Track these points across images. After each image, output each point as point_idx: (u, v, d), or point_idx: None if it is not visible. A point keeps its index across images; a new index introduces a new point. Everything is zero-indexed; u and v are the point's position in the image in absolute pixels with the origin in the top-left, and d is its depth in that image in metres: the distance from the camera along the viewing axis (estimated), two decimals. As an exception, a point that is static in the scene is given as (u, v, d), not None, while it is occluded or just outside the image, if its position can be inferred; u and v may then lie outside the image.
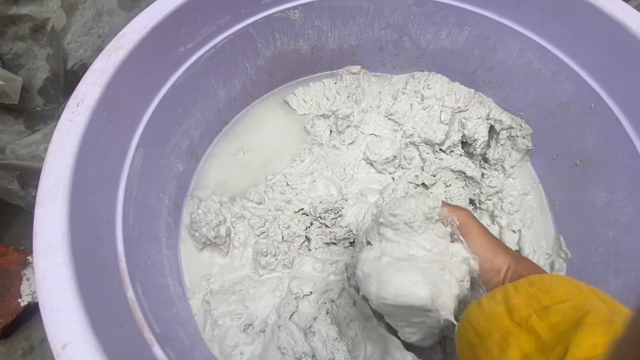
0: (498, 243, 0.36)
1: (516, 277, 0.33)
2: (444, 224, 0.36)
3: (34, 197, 0.31)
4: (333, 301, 0.46)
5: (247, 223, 0.49)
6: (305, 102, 0.59)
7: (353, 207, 0.51)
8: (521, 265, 0.34)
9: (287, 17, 0.50)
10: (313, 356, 0.41)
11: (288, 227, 0.49)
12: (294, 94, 0.59)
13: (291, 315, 0.44)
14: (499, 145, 0.55)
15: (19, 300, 0.56)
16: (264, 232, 0.49)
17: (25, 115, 0.59)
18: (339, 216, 0.51)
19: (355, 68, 0.61)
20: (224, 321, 0.45)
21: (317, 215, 0.50)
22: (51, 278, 0.28)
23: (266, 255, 0.48)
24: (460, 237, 0.36)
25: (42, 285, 0.27)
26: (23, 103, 0.57)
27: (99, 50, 0.59)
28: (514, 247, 0.51)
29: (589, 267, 0.47)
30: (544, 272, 0.34)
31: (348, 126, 0.55)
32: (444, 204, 0.37)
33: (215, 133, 0.57)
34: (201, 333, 0.45)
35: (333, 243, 0.51)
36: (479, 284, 0.35)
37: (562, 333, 0.25)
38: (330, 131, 0.56)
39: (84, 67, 0.58)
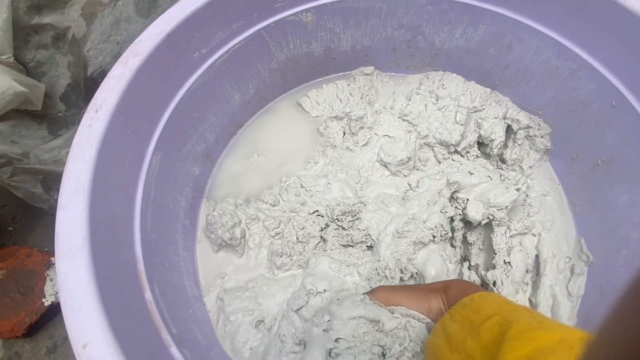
0: (421, 291, 0.41)
1: (451, 304, 0.36)
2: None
3: (57, 201, 0.32)
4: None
5: (261, 224, 0.50)
6: (318, 104, 0.59)
7: (373, 213, 0.51)
8: (451, 293, 0.37)
9: (300, 20, 0.50)
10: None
11: (303, 228, 0.50)
12: (307, 96, 0.59)
13: (299, 309, 0.44)
14: (516, 145, 0.54)
15: (43, 300, 0.58)
16: (278, 233, 0.50)
17: (48, 121, 0.61)
18: (357, 219, 0.51)
19: (369, 69, 0.60)
20: (236, 317, 0.45)
21: (334, 217, 0.50)
22: (72, 280, 0.28)
23: (281, 256, 0.48)
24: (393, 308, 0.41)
25: (64, 287, 0.28)
26: (46, 109, 0.59)
27: (117, 56, 0.60)
28: (533, 252, 0.50)
29: (611, 270, 0.46)
30: (474, 288, 0.36)
31: (361, 127, 0.55)
32: (367, 293, 0.43)
33: (230, 136, 0.58)
34: (214, 329, 0.45)
35: (350, 245, 0.51)
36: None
37: (492, 353, 0.27)
38: (344, 133, 0.56)
39: (103, 74, 0.60)
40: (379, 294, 0.43)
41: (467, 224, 0.52)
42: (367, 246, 0.51)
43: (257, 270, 0.49)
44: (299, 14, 0.50)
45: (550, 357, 0.23)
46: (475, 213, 0.49)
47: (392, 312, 0.42)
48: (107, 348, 0.27)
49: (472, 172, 0.51)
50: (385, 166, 0.54)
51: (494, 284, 0.47)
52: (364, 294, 0.44)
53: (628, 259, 0.44)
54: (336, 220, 0.51)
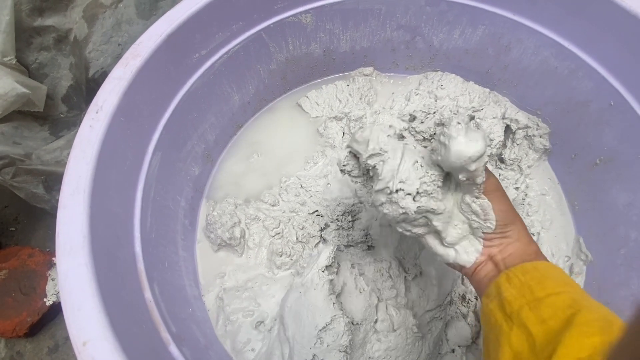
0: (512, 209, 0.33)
1: (508, 263, 0.31)
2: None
3: (58, 201, 0.32)
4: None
5: (261, 224, 0.50)
6: (317, 104, 0.59)
7: (369, 211, 0.51)
8: (509, 249, 0.32)
9: (299, 21, 0.51)
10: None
11: (303, 228, 0.50)
12: (307, 97, 0.59)
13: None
14: (515, 145, 0.54)
15: (45, 299, 0.58)
16: (278, 233, 0.50)
17: (49, 122, 0.61)
18: (356, 219, 0.51)
19: (368, 70, 0.61)
20: (236, 317, 0.46)
21: (335, 217, 0.51)
22: (73, 278, 0.29)
23: (281, 255, 0.48)
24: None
25: (65, 285, 0.29)
26: (48, 110, 0.60)
27: (118, 58, 0.61)
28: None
29: (610, 269, 0.46)
30: (540, 257, 0.32)
31: (361, 128, 0.55)
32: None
33: (229, 137, 0.58)
34: (214, 328, 0.46)
35: (350, 245, 0.51)
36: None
37: (553, 330, 0.25)
38: (343, 133, 0.57)
39: (104, 75, 0.60)
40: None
41: None
42: (367, 246, 0.51)
43: (256, 270, 0.49)
44: (298, 15, 0.50)
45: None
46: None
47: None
48: (107, 346, 0.27)
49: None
50: (384, 166, 0.54)
51: None
52: None
53: (627, 258, 0.44)
54: (336, 220, 0.51)
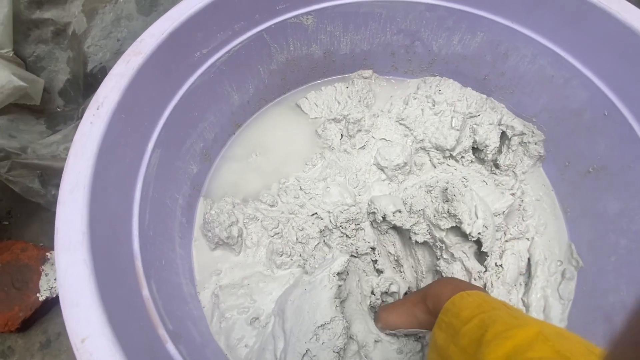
0: (406, 305, 0.42)
1: (434, 310, 0.36)
2: None
3: (54, 196, 0.32)
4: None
5: (259, 224, 0.50)
6: (317, 105, 0.59)
7: (375, 229, 0.52)
8: (429, 301, 0.38)
9: (301, 22, 0.51)
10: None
11: (302, 229, 0.50)
12: (306, 98, 0.60)
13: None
14: (510, 151, 0.55)
15: (38, 295, 0.58)
16: (278, 233, 0.50)
17: (46, 116, 0.61)
18: (360, 229, 0.52)
19: (367, 72, 0.61)
20: (231, 314, 0.46)
21: (338, 224, 0.51)
22: (72, 274, 0.29)
23: (281, 255, 0.48)
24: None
25: (63, 281, 0.29)
26: (44, 104, 0.59)
27: (117, 53, 0.61)
28: (525, 255, 0.51)
29: (600, 275, 0.47)
30: (451, 288, 0.36)
31: (359, 130, 0.56)
32: (375, 320, 0.45)
33: (228, 136, 0.58)
34: (209, 325, 0.46)
35: (355, 256, 0.51)
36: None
37: (471, 355, 0.27)
38: (341, 135, 0.57)
39: (103, 70, 0.60)
40: (381, 318, 0.44)
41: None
42: (372, 260, 0.52)
43: (254, 268, 0.49)
44: (300, 17, 0.50)
45: (528, 352, 0.24)
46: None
47: (395, 334, 0.44)
48: (105, 342, 0.27)
49: (466, 177, 0.52)
50: (382, 170, 0.55)
51: (485, 286, 0.48)
52: (374, 319, 0.46)
53: (616, 265, 0.45)
54: (340, 228, 0.51)
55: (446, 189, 0.47)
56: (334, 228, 0.51)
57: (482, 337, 0.27)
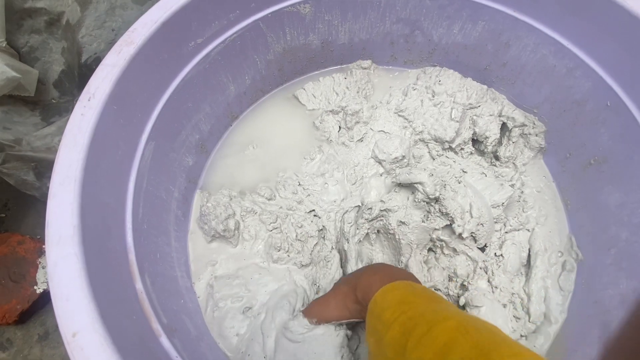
0: (337, 296, 0.40)
1: (363, 302, 0.35)
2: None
3: (49, 188, 0.31)
4: None
5: (257, 218, 0.50)
6: (314, 97, 0.58)
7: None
8: (359, 293, 0.36)
9: (298, 11, 0.50)
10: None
11: (301, 227, 0.49)
12: (304, 89, 0.59)
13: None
14: (510, 142, 0.54)
15: (35, 287, 0.58)
16: (276, 228, 0.50)
17: (40, 108, 0.60)
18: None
19: (366, 63, 0.60)
20: (224, 303, 0.46)
21: (336, 226, 0.50)
22: (62, 268, 0.28)
23: (279, 250, 0.48)
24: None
25: (54, 275, 0.28)
26: (39, 95, 0.58)
27: (112, 43, 0.59)
28: (526, 245, 0.50)
29: (600, 268, 0.46)
30: (379, 280, 0.34)
31: (357, 122, 0.55)
32: (303, 311, 0.43)
33: (225, 127, 0.57)
34: (203, 315, 0.46)
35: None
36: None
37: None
38: (339, 127, 0.56)
39: (97, 61, 0.59)
40: (315, 312, 0.42)
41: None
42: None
43: (250, 259, 0.49)
44: (296, 5, 0.49)
45: (448, 356, 0.24)
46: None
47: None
48: (96, 337, 0.27)
49: (465, 169, 0.51)
50: (380, 163, 0.54)
51: (487, 274, 0.48)
52: (301, 310, 0.43)
53: (616, 258, 0.44)
54: (338, 230, 0.51)
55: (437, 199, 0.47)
56: (332, 229, 0.51)
57: (405, 346, 0.26)
